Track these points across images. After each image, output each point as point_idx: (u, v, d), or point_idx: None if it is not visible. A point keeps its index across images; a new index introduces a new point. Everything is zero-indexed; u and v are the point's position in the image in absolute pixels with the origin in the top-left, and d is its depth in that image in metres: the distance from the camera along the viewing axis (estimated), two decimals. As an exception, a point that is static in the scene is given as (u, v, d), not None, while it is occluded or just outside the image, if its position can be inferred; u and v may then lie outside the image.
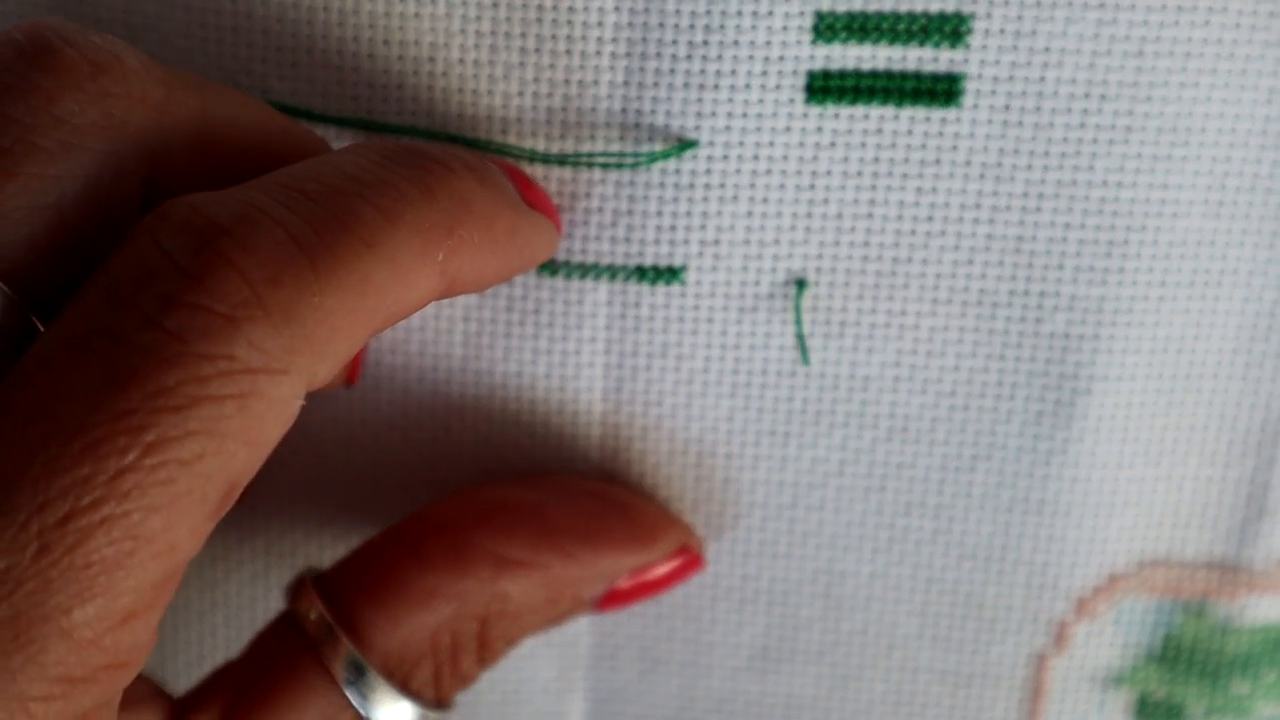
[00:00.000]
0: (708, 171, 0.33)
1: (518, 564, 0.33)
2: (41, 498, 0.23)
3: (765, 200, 0.34)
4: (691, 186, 0.33)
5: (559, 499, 0.34)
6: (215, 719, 0.31)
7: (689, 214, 0.34)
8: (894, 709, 0.39)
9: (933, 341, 0.35)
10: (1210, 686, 0.38)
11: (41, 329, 0.25)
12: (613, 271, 0.34)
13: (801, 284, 0.34)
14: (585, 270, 0.34)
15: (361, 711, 0.31)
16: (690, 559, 0.36)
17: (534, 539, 0.33)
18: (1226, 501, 0.37)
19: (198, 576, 0.39)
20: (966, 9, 0.32)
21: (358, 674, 0.31)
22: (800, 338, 0.35)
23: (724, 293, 0.35)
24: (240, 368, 0.24)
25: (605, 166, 0.33)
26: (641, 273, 0.34)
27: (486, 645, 0.33)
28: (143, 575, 0.23)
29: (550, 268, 0.34)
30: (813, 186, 0.34)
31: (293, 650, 0.31)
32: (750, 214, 0.34)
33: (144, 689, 0.31)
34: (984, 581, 0.37)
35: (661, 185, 0.34)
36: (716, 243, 0.34)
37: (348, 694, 0.31)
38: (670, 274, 0.34)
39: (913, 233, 0.34)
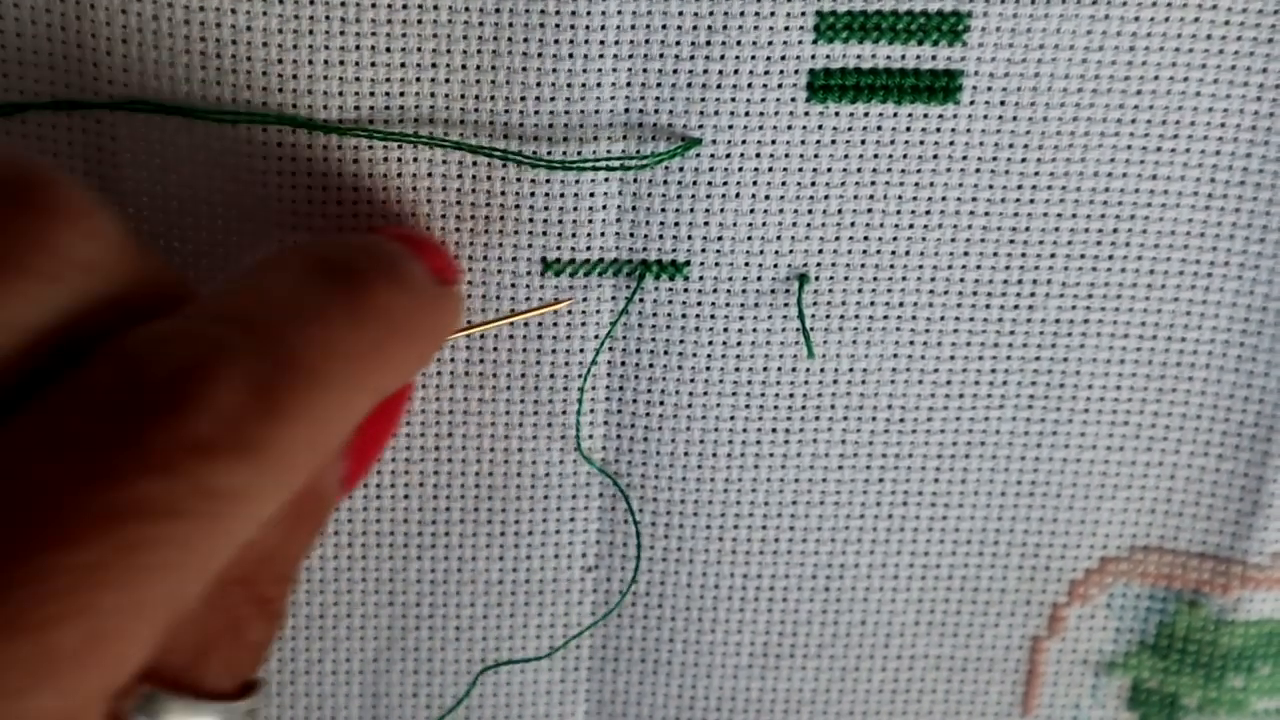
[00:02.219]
0: (711, 169, 0.34)
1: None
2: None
3: (768, 197, 0.34)
4: (695, 184, 0.34)
5: None
6: None
7: (692, 211, 0.34)
8: (892, 699, 0.39)
9: (929, 333, 0.36)
10: (1205, 679, 0.39)
11: None
12: (617, 267, 0.35)
13: (803, 279, 0.35)
14: (590, 267, 0.35)
15: None
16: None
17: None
18: (1221, 493, 0.37)
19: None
20: (964, 7, 0.33)
21: (148, 701, 0.28)
22: (804, 332, 0.35)
23: (727, 288, 0.35)
24: (203, 493, 0.25)
25: (610, 169, 0.34)
26: (646, 268, 0.35)
27: (264, 601, 0.30)
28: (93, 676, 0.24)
29: (555, 267, 0.35)
30: (814, 183, 0.34)
31: None
32: (753, 210, 0.34)
33: None
34: (979, 567, 0.38)
35: (665, 182, 0.34)
36: (720, 239, 0.34)
37: None
38: (674, 269, 0.35)
39: (911, 227, 0.35)
